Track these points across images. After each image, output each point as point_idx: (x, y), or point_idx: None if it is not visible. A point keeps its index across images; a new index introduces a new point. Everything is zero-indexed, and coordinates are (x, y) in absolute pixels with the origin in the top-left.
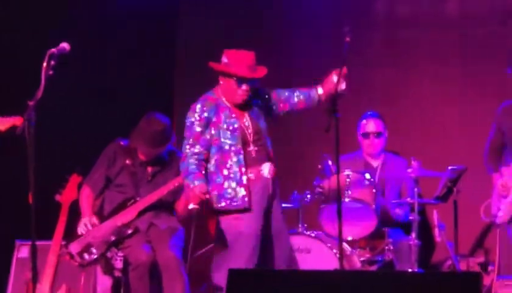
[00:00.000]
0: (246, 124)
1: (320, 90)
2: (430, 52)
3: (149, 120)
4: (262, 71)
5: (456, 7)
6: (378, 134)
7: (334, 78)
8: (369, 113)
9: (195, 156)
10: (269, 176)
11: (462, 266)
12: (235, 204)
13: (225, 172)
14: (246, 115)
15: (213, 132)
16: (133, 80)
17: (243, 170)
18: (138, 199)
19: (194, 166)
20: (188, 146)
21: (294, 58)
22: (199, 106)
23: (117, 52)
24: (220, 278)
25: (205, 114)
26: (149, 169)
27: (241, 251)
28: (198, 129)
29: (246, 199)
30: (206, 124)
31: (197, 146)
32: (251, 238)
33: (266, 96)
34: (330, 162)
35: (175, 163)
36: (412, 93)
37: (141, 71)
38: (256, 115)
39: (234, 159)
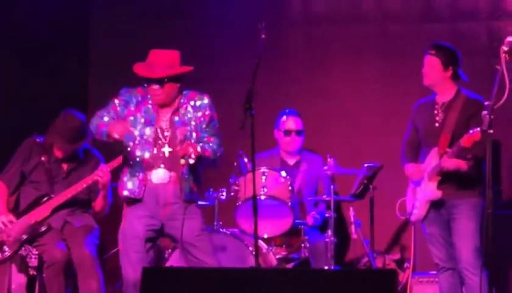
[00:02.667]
0: (163, 126)
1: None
2: (347, 49)
3: (65, 117)
4: (159, 72)
5: (374, 2)
6: (299, 132)
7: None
8: (287, 110)
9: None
10: (157, 182)
11: (378, 263)
12: (133, 195)
13: (131, 163)
14: (169, 116)
15: (128, 119)
16: (48, 79)
17: (144, 166)
18: (52, 196)
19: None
20: (101, 110)
21: (213, 54)
22: (123, 90)
23: (32, 52)
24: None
25: (125, 97)
26: (64, 166)
27: (126, 250)
28: (116, 105)
29: (141, 191)
30: (124, 105)
31: (111, 113)
32: (133, 239)
33: (204, 125)
34: (245, 159)
35: (91, 161)
36: (329, 90)
37: (55, 71)
38: (181, 124)
39: (139, 153)
